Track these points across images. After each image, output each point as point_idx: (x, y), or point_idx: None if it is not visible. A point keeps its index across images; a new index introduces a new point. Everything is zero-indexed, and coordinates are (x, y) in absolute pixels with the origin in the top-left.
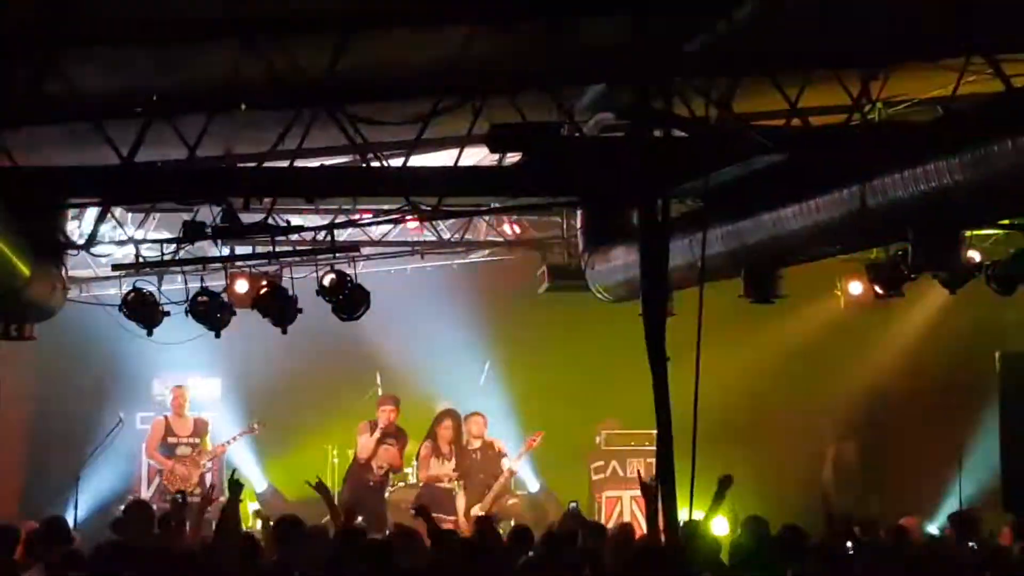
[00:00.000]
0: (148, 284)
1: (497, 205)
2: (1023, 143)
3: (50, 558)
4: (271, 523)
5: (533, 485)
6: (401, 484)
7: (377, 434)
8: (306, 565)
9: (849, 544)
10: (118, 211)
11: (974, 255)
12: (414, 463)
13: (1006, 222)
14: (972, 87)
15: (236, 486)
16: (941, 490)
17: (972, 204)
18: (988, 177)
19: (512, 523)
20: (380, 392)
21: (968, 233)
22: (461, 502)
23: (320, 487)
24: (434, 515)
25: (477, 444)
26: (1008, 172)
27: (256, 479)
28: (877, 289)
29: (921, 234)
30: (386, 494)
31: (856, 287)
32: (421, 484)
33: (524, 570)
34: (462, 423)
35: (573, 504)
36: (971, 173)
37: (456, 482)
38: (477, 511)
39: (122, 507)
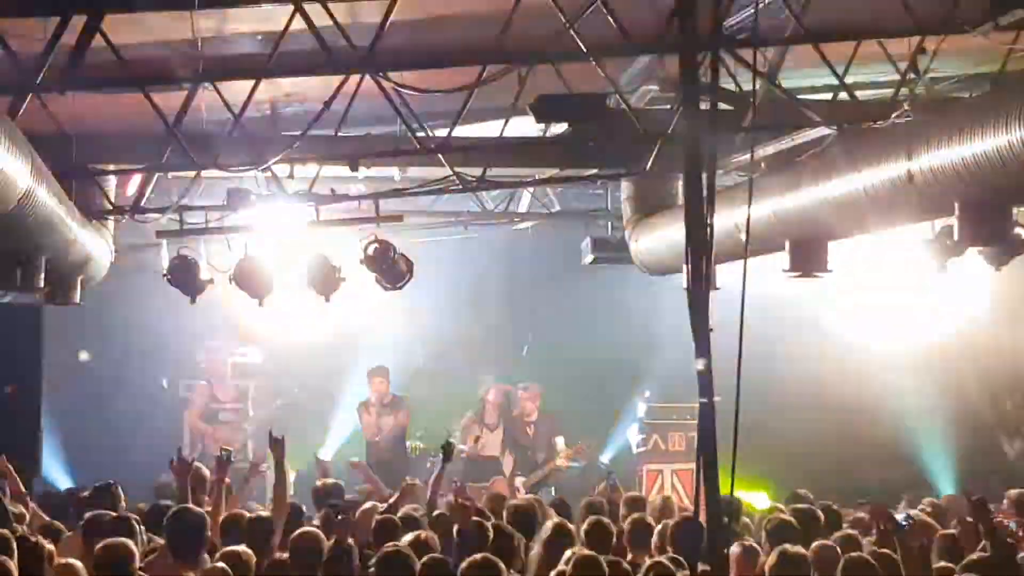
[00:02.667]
0: (192, 251)
1: (542, 176)
2: None
3: (92, 523)
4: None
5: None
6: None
7: (373, 408)
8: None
9: (900, 517)
10: (164, 177)
11: (1021, 232)
12: (457, 433)
13: None
14: (1021, 63)
15: (278, 444)
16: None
17: (1020, 179)
18: None
19: (553, 492)
20: (423, 362)
21: (1016, 209)
22: (508, 467)
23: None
24: (472, 485)
25: (532, 417)
26: None
27: (298, 448)
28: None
29: (967, 209)
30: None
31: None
32: (463, 456)
33: None
34: (509, 394)
35: (611, 474)
36: (1019, 148)
37: (503, 453)
38: (521, 485)
39: (163, 475)
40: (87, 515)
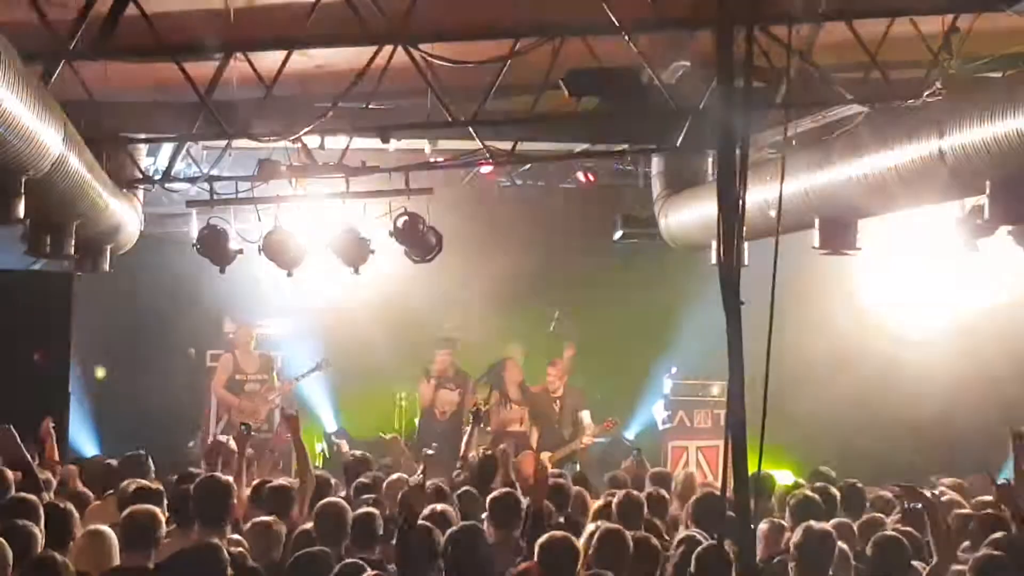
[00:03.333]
0: (222, 221)
1: (573, 152)
2: None
3: (124, 492)
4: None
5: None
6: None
7: (433, 381)
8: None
9: (910, 504)
10: (194, 148)
11: None
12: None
13: None
14: None
15: (292, 420)
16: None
17: None
18: None
19: (578, 467)
20: (450, 336)
21: None
22: (534, 441)
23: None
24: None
25: (559, 390)
26: None
27: (326, 419)
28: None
29: (998, 187)
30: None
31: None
32: (490, 432)
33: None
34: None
35: (636, 451)
36: None
37: (529, 423)
38: (547, 460)
39: (191, 443)
40: (120, 484)
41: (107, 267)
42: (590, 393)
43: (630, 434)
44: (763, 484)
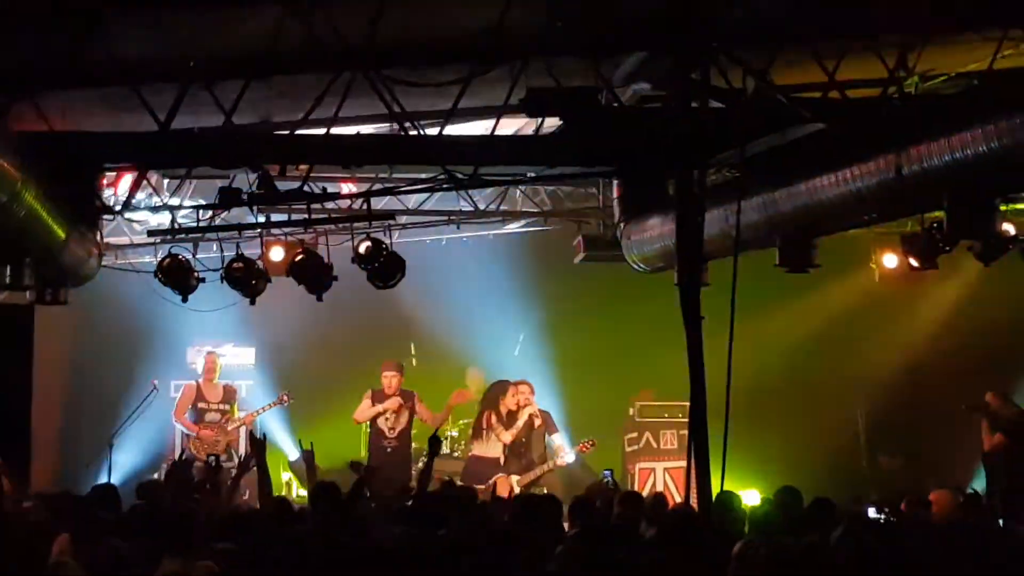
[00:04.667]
0: (183, 251)
1: (534, 175)
2: None
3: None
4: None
5: (569, 457)
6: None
7: (370, 399)
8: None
9: (873, 516)
10: (154, 177)
11: (1009, 228)
12: (450, 434)
13: None
14: (1008, 62)
15: (258, 445)
16: (976, 465)
17: (1007, 171)
18: (1022, 143)
19: (544, 491)
20: (415, 362)
21: (1003, 207)
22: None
23: (362, 472)
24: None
25: (524, 414)
26: None
27: (288, 449)
28: (912, 262)
29: (955, 203)
30: (411, 458)
31: (891, 259)
32: (467, 456)
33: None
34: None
35: (607, 473)
36: (1007, 140)
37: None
38: (516, 484)
39: (155, 474)
40: (86, 516)
41: (67, 298)
42: (556, 416)
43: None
44: (728, 501)
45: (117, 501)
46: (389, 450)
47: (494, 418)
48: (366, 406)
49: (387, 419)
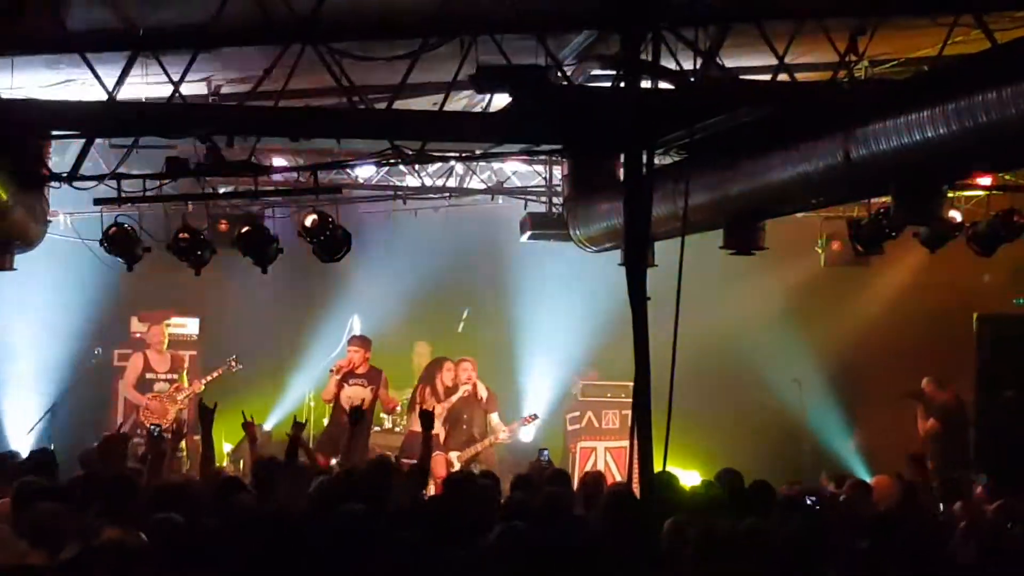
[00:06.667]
0: (129, 220)
1: (481, 152)
2: (1008, 94)
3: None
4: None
5: (507, 434)
6: (376, 429)
7: (337, 376)
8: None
9: (811, 500)
10: (101, 145)
11: (955, 215)
12: (398, 410)
13: (987, 183)
14: (958, 48)
15: (206, 413)
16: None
17: (955, 155)
18: (971, 128)
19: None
20: (356, 334)
21: (950, 194)
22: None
23: (295, 429)
24: (404, 460)
25: (465, 390)
26: (993, 123)
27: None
28: (858, 247)
29: (903, 188)
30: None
31: (837, 245)
32: (406, 431)
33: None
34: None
35: (544, 451)
36: (955, 124)
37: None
38: (455, 459)
39: (95, 443)
40: (20, 480)
41: (13, 265)
42: (498, 393)
43: (539, 435)
44: (668, 482)
45: (54, 467)
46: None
47: (428, 392)
48: (331, 385)
49: (349, 397)
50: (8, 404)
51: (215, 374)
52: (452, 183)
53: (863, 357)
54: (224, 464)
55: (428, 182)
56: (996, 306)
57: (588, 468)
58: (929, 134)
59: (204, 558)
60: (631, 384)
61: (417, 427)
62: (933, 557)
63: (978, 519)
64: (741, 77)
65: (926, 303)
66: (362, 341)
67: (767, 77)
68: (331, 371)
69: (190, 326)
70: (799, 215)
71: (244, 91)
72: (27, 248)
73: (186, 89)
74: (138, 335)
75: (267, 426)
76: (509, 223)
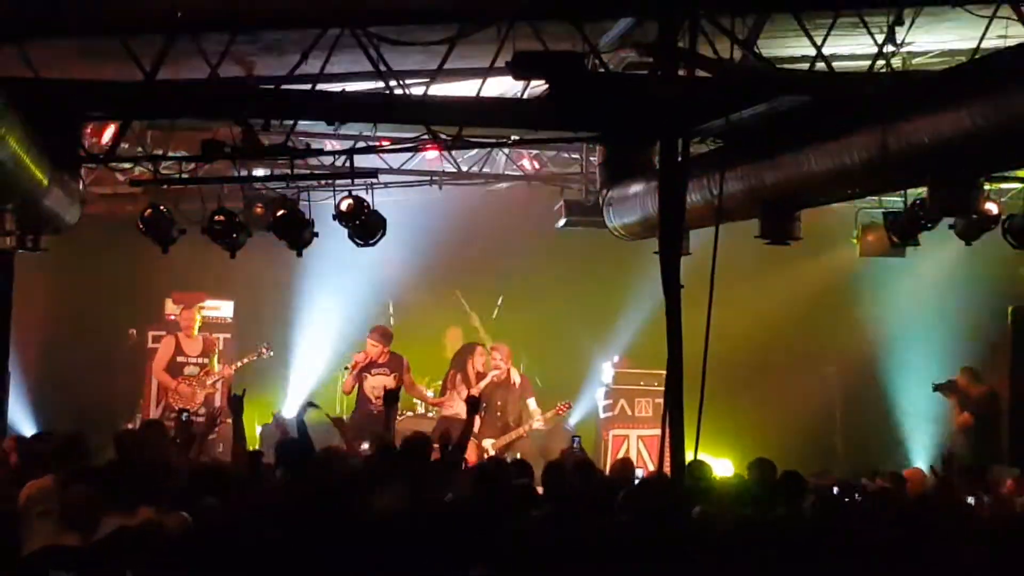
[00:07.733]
0: (166, 201)
1: (517, 138)
2: None
3: (63, 471)
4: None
5: (541, 422)
6: (409, 414)
7: (354, 371)
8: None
9: (838, 490)
10: (138, 128)
11: (991, 207)
12: (429, 394)
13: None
14: (996, 41)
15: (236, 402)
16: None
17: (992, 148)
18: (1009, 121)
19: (518, 455)
20: (392, 322)
21: (987, 186)
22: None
23: (336, 421)
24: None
25: (494, 375)
26: None
27: (264, 404)
28: (894, 238)
29: (939, 180)
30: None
31: (872, 236)
32: (439, 416)
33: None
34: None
35: (576, 439)
36: (993, 117)
37: None
38: (489, 446)
39: (128, 425)
40: (57, 463)
41: (46, 246)
42: (532, 380)
43: (571, 422)
44: (699, 470)
45: (87, 450)
46: (376, 412)
47: (459, 378)
48: (350, 377)
49: (373, 387)
50: (43, 383)
51: (246, 359)
52: (488, 169)
53: (897, 348)
54: (258, 447)
55: (463, 168)
56: None
57: (620, 456)
58: (966, 127)
59: (236, 540)
60: (664, 372)
61: (449, 412)
62: (963, 548)
63: (1006, 511)
64: (778, 66)
65: (961, 295)
66: (382, 335)
67: (805, 67)
68: (345, 368)
69: (224, 309)
70: (834, 205)
71: (281, 74)
72: (63, 230)
73: (223, 73)
74: (172, 317)
75: (289, 413)
76: (545, 209)
